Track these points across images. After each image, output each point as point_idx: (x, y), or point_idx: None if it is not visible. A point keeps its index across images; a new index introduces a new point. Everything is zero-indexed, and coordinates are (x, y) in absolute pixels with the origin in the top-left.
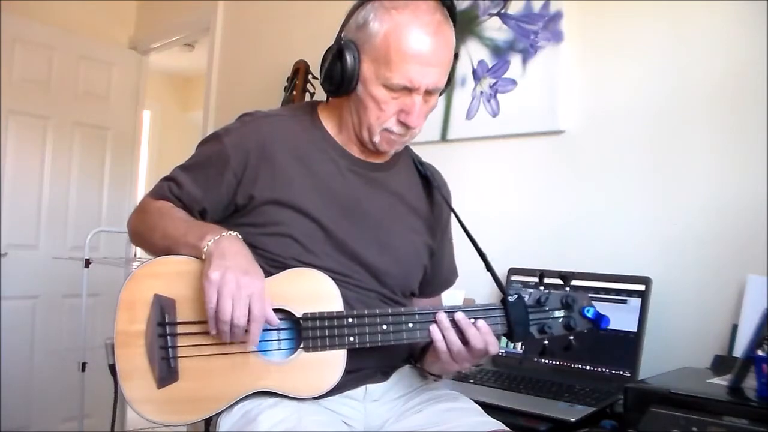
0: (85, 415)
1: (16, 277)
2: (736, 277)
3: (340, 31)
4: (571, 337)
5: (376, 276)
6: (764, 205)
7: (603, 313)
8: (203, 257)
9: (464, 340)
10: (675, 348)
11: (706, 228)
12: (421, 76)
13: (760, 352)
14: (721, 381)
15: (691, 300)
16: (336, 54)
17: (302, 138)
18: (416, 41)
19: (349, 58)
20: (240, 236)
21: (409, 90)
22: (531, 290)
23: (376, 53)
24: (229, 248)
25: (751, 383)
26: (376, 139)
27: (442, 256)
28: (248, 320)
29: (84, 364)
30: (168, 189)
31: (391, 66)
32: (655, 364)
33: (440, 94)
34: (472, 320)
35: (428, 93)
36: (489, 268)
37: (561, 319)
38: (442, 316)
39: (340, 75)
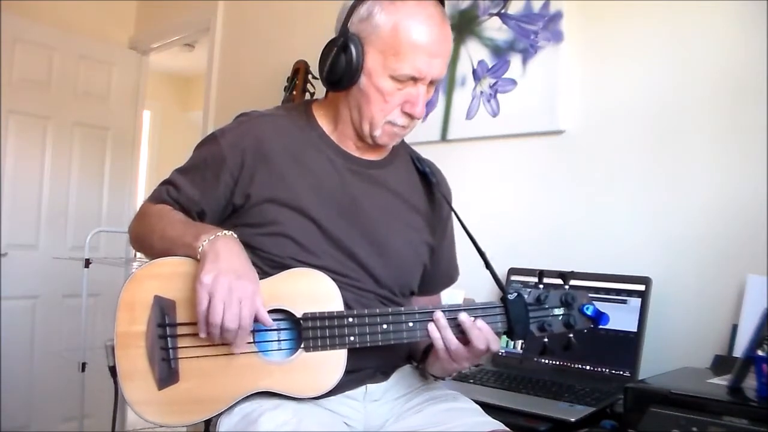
0: (85, 415)
1: (16, 277)
2: (736, 277)
3: (344, 25)
4: (571, 335)
5: (372, 276)
6: (764, 205)
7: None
8: (198, 257)
9: (466, 341)
10: (675, 348)
11: (706, 228)
12: (428, 66)
13: (760, 352)
14: (721, 381)
15: (691, 300)
16: (341, 46)
17: (298, 137)
18: (424, 32)
19: (354, 50)
20: (236, 235)
21: (414, 80)
22: (530, 289)
23: (383, 44)
24: (223, 249)
25: (751, 383)
26: (377, 132)
27: (442, 253)
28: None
29: (84, 365)
30: (166, 192)
31: (399, 56)
32: (655, 364)
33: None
34: (473, 319)
35: (430, 83)
36: (488, 266)
37: (561, 317)
38: (438, 315)
39: (345, 67)
